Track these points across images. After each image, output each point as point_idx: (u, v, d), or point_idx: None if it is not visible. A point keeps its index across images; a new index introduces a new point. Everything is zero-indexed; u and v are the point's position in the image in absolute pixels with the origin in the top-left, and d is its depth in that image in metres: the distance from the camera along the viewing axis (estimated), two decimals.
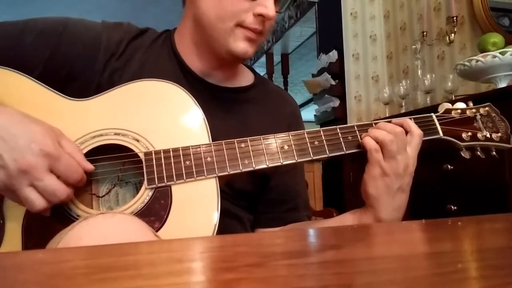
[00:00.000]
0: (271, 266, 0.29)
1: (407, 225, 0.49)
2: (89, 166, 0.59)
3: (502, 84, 1.64)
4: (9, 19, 0.70)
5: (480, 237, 0.44)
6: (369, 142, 0.64)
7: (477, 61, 1.64)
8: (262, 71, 4.51)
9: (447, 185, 1.59)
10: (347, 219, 0.70)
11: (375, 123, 0.68)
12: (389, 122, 0.67)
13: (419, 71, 2.41)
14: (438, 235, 0.43)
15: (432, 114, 0.71)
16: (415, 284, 0.24)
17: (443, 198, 1.59)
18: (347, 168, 2.25)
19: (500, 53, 1.59)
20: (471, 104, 0.74)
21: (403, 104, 2.35)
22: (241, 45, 0.70)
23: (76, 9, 4.05)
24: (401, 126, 0.66)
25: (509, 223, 0.52)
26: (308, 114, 4.52)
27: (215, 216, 0.59)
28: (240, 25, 0.69)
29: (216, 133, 0.64)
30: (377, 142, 0.64)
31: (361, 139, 0.66)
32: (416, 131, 0.66)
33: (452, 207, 1.55)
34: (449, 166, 1.55)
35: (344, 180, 2.25)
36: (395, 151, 0.63)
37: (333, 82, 2.88)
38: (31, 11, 4.01)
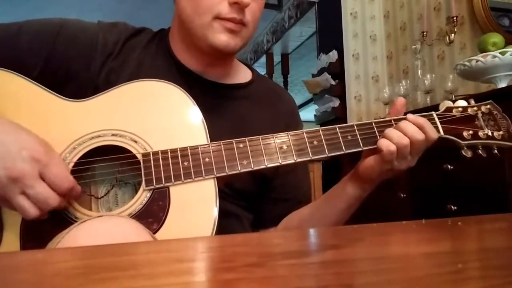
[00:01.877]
0: (271, 266, 0.29)
1: (407, 225, 0.49)
2: (77, 187, 0.57)
3: (502, 84, 1.64)
4: (8, 19, 0.70)
5: (480, 237, 0.44)
6: (384, 144, 0.65)
7: (477, 61, 1.64)
8: (262, 71, 4.50)
9: (447, 185, 1.59)
10: (333, 192, 0.74)
11: (375, 122, 0.68)
12: (412, 117, 0.67)
13: (419, 71, 2.41)
14: (438, 235, 0.43)
15: (433, 112, 0.70)
16: (415, 284, 0.24)
17: (443, 198, 1.59)
18: (347, 168, 2.24)
19: (500, 53, 1.59)
20: (472, 102, 0.73)
21: None
22: (221, 37, 0.68)
23: (76, 9, 4.04)
24: (421, 126, 0.66)
25: (509, 223, 0.52)
26: (308, 114, 4.52)
27: (214, 218, 0.58)
28: (217, 17, 0.67)
29: (214, 130, 0.64)
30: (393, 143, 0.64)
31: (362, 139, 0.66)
32: (432, 137, 0.66)
33: (452, 207, 1.55)
34: (449, 166, 1.55)
35: None
36: (407, 154, 0.65)
37: (333, 82, 2.88)
38: (31, 11, 4.01)
